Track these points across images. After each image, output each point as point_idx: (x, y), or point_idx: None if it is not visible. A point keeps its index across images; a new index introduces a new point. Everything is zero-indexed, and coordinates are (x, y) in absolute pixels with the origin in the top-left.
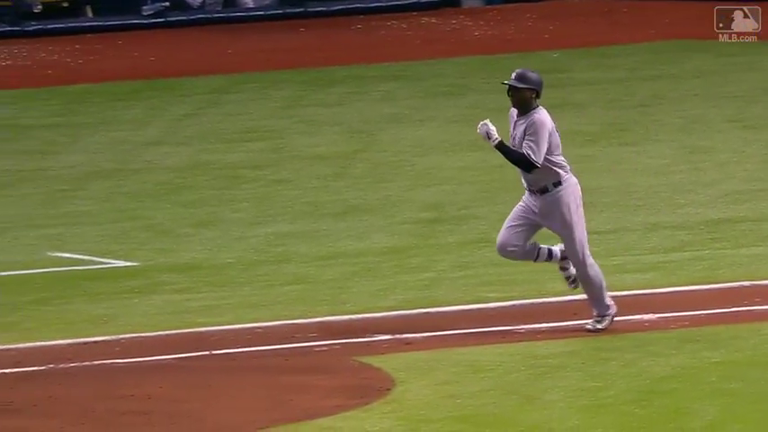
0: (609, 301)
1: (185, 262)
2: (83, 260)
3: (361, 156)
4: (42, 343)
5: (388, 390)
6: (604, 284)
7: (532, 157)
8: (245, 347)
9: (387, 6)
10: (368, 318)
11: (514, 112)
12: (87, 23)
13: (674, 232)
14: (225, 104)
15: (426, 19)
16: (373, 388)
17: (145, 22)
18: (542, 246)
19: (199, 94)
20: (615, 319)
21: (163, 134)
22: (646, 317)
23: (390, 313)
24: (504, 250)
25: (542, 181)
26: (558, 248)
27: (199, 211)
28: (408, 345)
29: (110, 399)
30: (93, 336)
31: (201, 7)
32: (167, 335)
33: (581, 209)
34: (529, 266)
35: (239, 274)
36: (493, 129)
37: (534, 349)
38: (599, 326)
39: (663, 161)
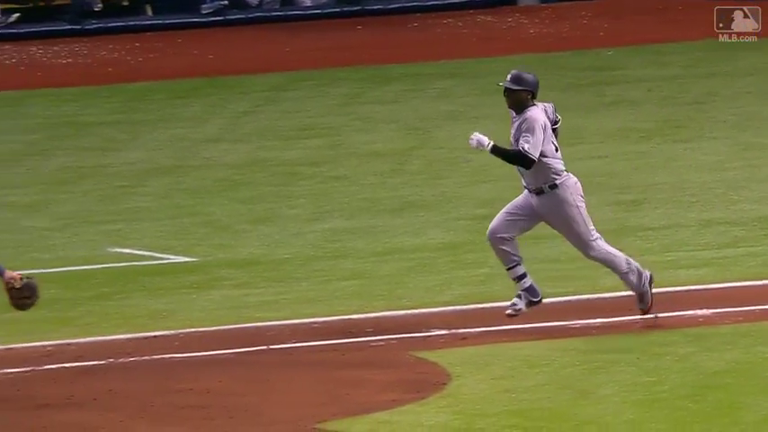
0: (625, 269)
1: (243, 257)
2: (142, 256)
3: (417, 152)
4: (102, 338)
5: (444, 384)
6: (622, 259)
7: (528, 150)
8: (302, 342)
9: (443, 5)
10: (424, 313)
11: (513, 112)
12: (147, 22)
13: (728, 228)
14: (283, 102)
15: (482, 17)
16: (429, 382)
17: (204, 20)
18: (520, 268)
19: (257, 92)
20: (654, 291)
21: (221, 131)
22: (700, 312)
23: (446, 308)
24: (493, 236)
25: (538, 182)
26: (525, 295)
27: (257, 207)
28: (464, 340)
29: (168, 393)
30: (153, 330)
31: (260, 6)
32: (226, 330)
33: (582, 206)
34: (583, 262)
35: (296, 270)
36: (483, 137)
37: (589, 344)
38: (644, 298)
39: (717, 158)
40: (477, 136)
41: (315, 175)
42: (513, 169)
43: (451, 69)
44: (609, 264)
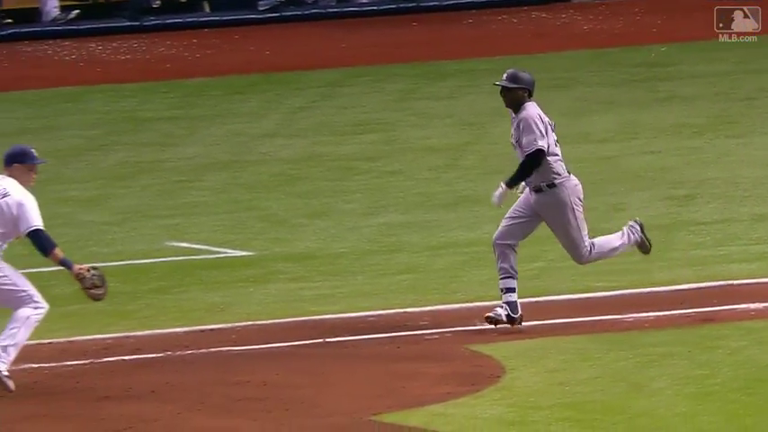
0: (623, 240)
1: (300, 252)
2: (200, 250)
3: (471, 148)
4: (160, 331)
5: (499, 377)
6: (610, 246)
7: (530, 148)
8: (357, 335)
9: (498, 1)
10: (478, 306)
11: (512, 112)
12: (205, 18)
13: None
14: (338, 97)
15: (537, 13)
16: (484, 375)
17: (261, 17)
18: (513, 281)
19: (313, 88)
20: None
21: (278, 126)
22: (752, 306)
23: (500, 302)
24: (497, 243)
25: (537, 180)
26: (506, 308)
27: (313, 201)
28: (518, 333)
29: (225, 385)
30: (210, 324)
31: (316, 2)
32: (282, 323)
33: (579, 209)
34: (636, 256)
35: (352, 264)
36: (497, 191)
37: (641, 338)
38: (643, 246)
39: None
40: (496, 194)
41: (370, 169)
42: (568, 164)
43: (506, 65)
44: (605, 257)
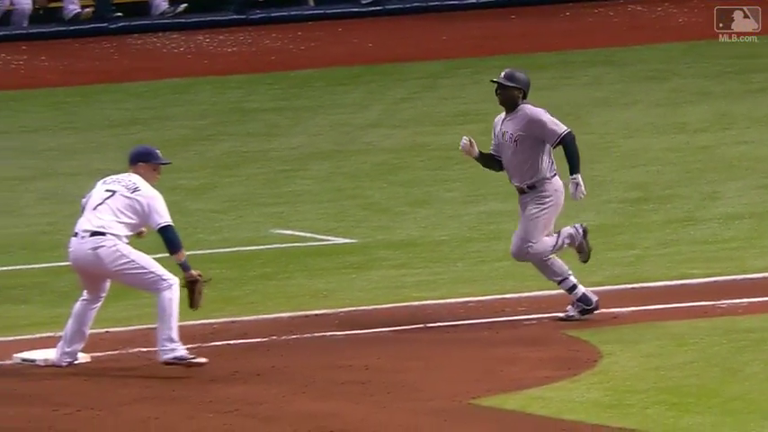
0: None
1: (401, 239)
2: (304, 237)
3: None
4: (265, 316)
5: (595, 362)
6: (549, 248)
7: (564, 128)
8: (457, 321)
9: None
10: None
11: (499, 118)
12: (309, 12)
13: None
14: (440, 89)
15: (633, 6)
16: (581, 360)
17: (363, 10)
18: (568, 281)
19: (415, 79)
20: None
21: (381, 117)
22: None
23: (598, 288)
24: (519, 258)
25: (523, 180)
26: (578, 305)
27: (414, 190)
28: (615, 318)
29: (329, 369)
30: (314, 309)
31: None
32: (384, 308)
33: (551, 212)
34: (731, 243)
35: (452, 251)
36: (577, 186)
37: (736, 323)
38: (580, 253)
39: None
40: (578, 191)
41: (470, 159)
42: (664, 154)
43: (602, 57)
44: (541, 257)
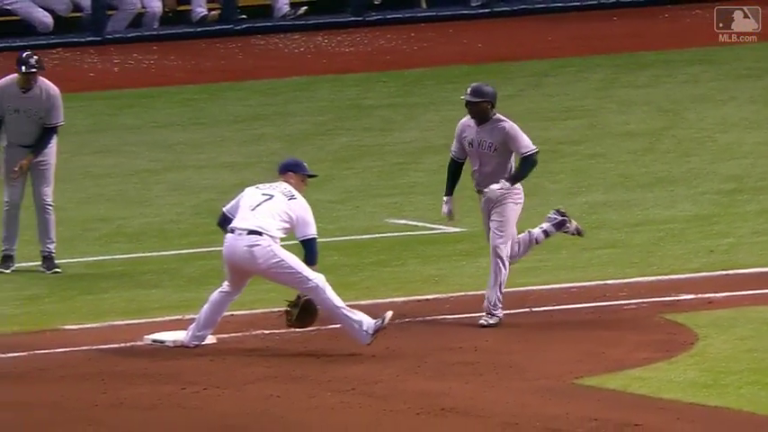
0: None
1: None
2: (416, 226)
3: (668, 132)
4: (381, 300)
5: (692, 344)
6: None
7: (529, 150)
8: (561, 305)
9: None
10: (673, 279)
11: (467, 126)
12: (421, 14)
13: None
14: (545, 86)
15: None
16: (678, 342)
17: (473, 12)
18: (534, 231)
19: (521, 77)
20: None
21: None
22: None
23: (694, 275)
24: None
25: (488, 183)
26: (544, 227)
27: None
28: (710, 303)
29: (440, 350)
30: (426, 294)
31: None
32: None
33: (521, 207)
34: None
35: (556, 239)
36: (494, 185)
37: None
38: (490, 320)
39: None
40: (492, 188)
41: (574, 153)
42: (758, 147)
43: (700, 56)
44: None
